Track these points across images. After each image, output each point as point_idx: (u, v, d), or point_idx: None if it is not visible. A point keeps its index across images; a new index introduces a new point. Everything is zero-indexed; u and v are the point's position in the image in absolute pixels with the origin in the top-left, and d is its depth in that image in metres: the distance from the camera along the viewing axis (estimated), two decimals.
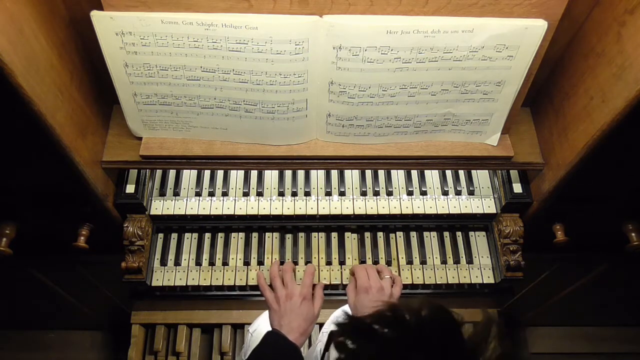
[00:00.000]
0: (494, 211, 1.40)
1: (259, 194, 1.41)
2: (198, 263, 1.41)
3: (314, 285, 1.29)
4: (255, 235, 1.45)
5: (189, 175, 1.44)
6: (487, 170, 1.45)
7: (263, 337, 1.17)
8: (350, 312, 1.25)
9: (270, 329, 1.22)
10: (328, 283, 1.38)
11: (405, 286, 1.35)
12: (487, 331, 0.66)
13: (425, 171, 1.45)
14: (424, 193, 1.42)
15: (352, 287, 1.29)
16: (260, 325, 1.44)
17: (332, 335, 1.08)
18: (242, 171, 1.44)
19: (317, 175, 1.45)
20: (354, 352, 0.65)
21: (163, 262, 1.41)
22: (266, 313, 1.42)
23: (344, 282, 1.38)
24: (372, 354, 0.63)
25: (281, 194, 1.41)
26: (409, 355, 0.62)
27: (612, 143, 1.04)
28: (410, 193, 1.43)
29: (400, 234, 1.46)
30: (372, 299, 1.22)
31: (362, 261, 1.41)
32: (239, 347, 1.93)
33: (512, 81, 1.09)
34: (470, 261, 1.42)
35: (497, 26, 0.98)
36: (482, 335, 0.66)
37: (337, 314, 1.48)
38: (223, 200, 1.40)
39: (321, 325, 1.87)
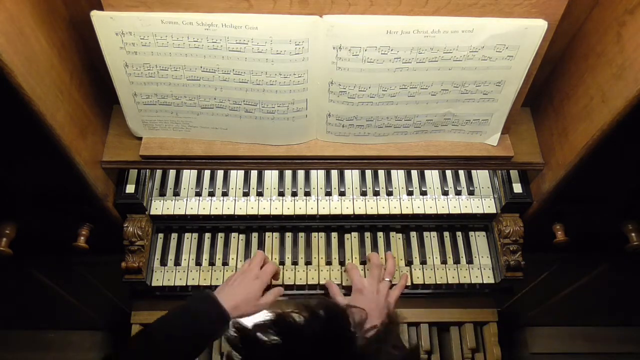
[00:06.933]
0: (494, 211, 1.40)
1: (259, 194, 1.41)
2: (198, 263, 1.41)
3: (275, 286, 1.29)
4: (255, 235, 1.44)
5: (189, 175, 1.44)
6: (487, 170, 1.45)
7: (192, 293, 1.14)
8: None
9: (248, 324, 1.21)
10: None
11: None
12: (385, 334, 0.65)
13: (425, 171, 1.45)
14: (424, 193, 1.42)
15: (338, 292, 1.29)
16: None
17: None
18: (242, 171, 1.44)
19: (317, 175, 1.45)
20: None
21: (163, 262, 1.41)
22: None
23: (344, 283, 1.38)
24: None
25: (281, 194, 1.41)
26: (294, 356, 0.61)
27: (612, 143, 1.04)
28: (410, 193, 1.43)
29: (400, 234, 1.46)
30: (367, 300, 1.22)
31: (363, 261, 1.41)
32: None
33: (512, 81, 1.09)
34: (470, 261, 1.42)
35: (497, 26, 0.98)
36: (377, 338, 0.64)
37: None
38: (223, 200, 1.40)
39: None
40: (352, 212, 1.40)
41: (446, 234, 1.46)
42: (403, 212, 1.40)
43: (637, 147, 1.08)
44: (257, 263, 1.29)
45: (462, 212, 1.40)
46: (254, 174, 1.44)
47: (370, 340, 0.64)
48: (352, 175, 1.45)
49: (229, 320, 1.12)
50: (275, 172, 1.44)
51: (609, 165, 1.15)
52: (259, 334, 0.66)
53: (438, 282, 1.40)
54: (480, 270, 1.42)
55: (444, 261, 1.42)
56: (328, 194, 1.42)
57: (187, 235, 1.45)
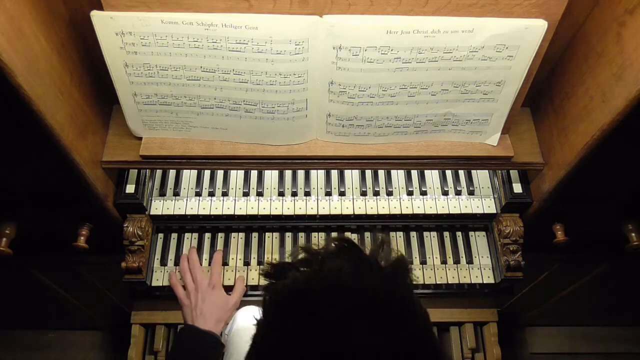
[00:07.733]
0: (494, 211, 1.40)
1: (259, 194, 1.41)
2: None
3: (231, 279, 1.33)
4: (255, 235, 1.44)
5: (189, 175, 1.44)
6: (487, 170, 1.45)
7: (177, 334, 1.21)
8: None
9: (242, 325, 1.22)
10: None
11: None
12: (380, 246, 0.77)
13: (425, 171, 1.45)
14: (424, 193, 1.42)
15: None
16: (236, 321, 1.37)
17: None
18: (242, 171, 1.44)
19: (317, 175, 1.45)
20: (272, 287, 0.72)
21: (163, 262, 1.41)
22: (239, 312, 1.40)
23: None
24: (287, 283, 0.69)
25: (281, 194, 1.41)
26: (320, 275, 0.70)
27: (612, 143, 1.04)
28: (410, 193, 1.42)
29: (400, 234, 1.46)
30: None
31: None
32: None
33: (512, 81, 1.09)
34: (470, 261, 1.42)
35: (497, 26, 0.98)
36: (377, 249, 0.77)
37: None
38: (223, 200, 1.40)
39: None
40: (352, 212, 1.40)
41: (446, 234, 1.46)
42: (403, 212, 1.40)
43: (637, 147, 1.08)
44: (203, 274, 1.32)
45: (462, 212, 1.40)
46: (254, 174, 1.44)
47: (371, 255, 0.75)
48: (352, 175, 1.45)
49: (220, 339, 1.20)
50: (275, 172, 1.44)
51: (609, 165, 1.15)
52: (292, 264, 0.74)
53: (438, 282, 1.40)
54: (480, 270, 1.42)
55: (444, 261, 1.42)
56: (328, 194, 1.42)
57: (187, 235, 1.45)
